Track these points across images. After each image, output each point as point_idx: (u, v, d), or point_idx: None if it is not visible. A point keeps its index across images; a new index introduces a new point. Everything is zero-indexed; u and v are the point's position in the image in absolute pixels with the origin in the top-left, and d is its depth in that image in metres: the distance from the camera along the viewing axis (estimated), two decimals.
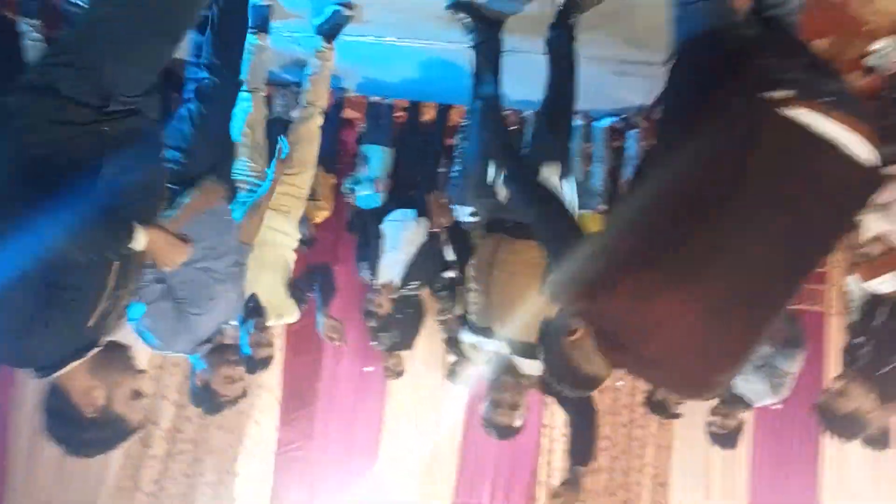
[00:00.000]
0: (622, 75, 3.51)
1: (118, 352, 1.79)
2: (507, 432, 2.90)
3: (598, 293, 1.45)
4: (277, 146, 2.89)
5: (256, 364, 3.13)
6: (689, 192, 1.42)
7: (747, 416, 3.79)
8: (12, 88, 1.68)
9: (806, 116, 1.37)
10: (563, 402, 2.92)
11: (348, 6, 3.09)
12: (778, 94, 1.37)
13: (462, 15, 2.95)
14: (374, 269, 4.11)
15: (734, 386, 3.52)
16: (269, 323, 3.18)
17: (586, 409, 3.02)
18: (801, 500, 5.18)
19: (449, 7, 2.97)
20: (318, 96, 3.29)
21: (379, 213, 4.17)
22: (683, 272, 1.39)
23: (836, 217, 1.50)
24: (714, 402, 3.60)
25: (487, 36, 2.91)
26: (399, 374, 4.71)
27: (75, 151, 1.63)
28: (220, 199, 2.57)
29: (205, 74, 2.59)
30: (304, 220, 4.19)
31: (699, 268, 1.40)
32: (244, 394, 2.89)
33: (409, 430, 5.61)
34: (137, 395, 1.77)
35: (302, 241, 4.28)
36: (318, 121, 3.32)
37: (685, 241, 1.39)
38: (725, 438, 3.55)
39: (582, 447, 2.89)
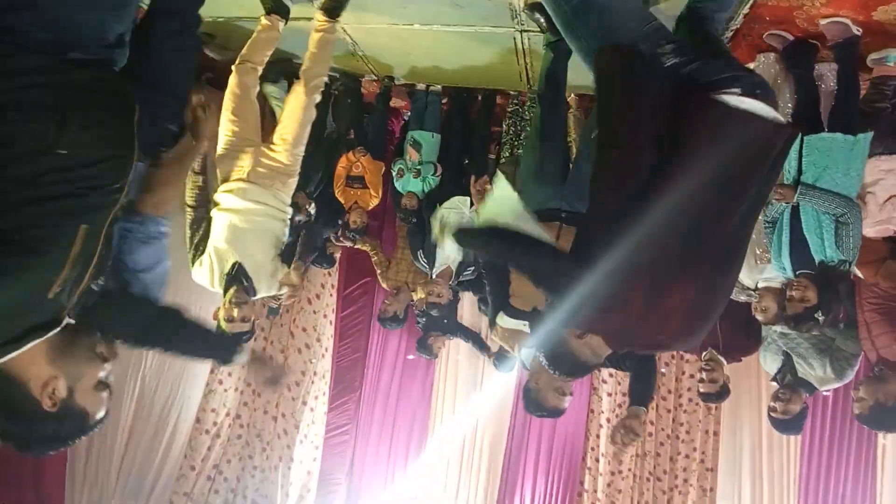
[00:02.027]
0: None
1: (83, 337, 1.57)
2: (557, 413, 2.98)
3: (613, 316, 1.62)
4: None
5: (231, 341, 3.03)
6: (663, 191, 1.59)
7: None
8: None
9: (745, 103, 1.64)
10: (619, 358, 2.97)
11: None
12: (731, 91, 1.64)
13: (538, 15, 3.03)
14: (430, 257, 4.14)
15: (797, 371, 3.46)
16: (260, 294, 3.20)
17: (646, 357, 3.05)
18: (857, 485, 5.07)
19: (526, 8, 3.06)
20: (314, 72, 3.22)
21: (433, 201, 4.19)
22: (678, 265, 1.60)
23: (772, 171, 1.73)
24: (774, 386, 3.53)
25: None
26: (437, 354, 4.75)
27: (31, 104, 1.42)
28: None
29: None
30: (357, 209, 4.28)
31: (689, 255, 1.61)
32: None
33: (456, 415, 5.66)
34: (102, 385, 1.57)
35: (356, 230, 4.36)
36: (314, 97, 3.25)
37: (672, 235, 1.59)
38: (789, 424, 3.38)
39: (641, 388, 2.90)
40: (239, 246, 3.07)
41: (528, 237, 1.81)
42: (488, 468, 5.64)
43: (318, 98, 3.28)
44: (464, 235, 1.82)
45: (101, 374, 1.58)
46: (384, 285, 4.70)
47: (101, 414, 1.58)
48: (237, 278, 3.04)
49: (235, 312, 3.01)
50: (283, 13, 3.23)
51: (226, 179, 3.17)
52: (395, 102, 4.64)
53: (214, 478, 5.32)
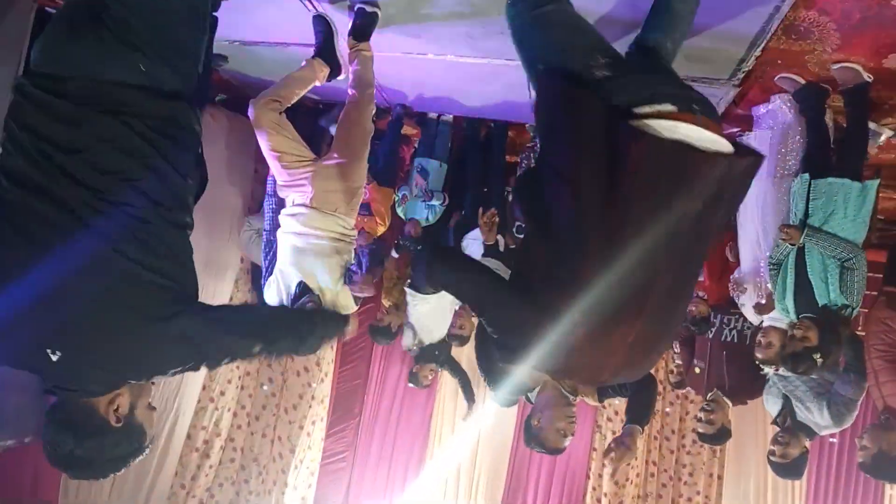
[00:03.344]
0: None
1: None
2: (557, 452, 2.95)
3: (557, 356, 1.60)
4: None
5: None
6: (608, 230, 1.52)
7: None
8: None
9: (683, 129, 1.50)
10: (622, 390, 2.93)
11: (371, 3, 3.05)
12: (663, 107, 1.50)
13: None
14: None
15: (796, 414, 3.42)
16: None
17: (646, 377, 3.01)
18: None
19: None
20: (364, 83, 3.20)
21: (436, 229, 4.19)
22: (624, 304, 1.54)
23: (725, 206, 1.63)
24: (775, 430, 3.48)
25: None
26: (424, 384, 4.73)
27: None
28: None
29: None
30: (364, 234, 4.28)
31: (635, 294, 1.54)
32: None
33: (454, 447, 5.58)
34: (151, 405, 1.71)
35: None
36: (369, 107, 3.24)
37: (618, 274, 1.51)
38: (788, 468, 3.33)
39: (637, 407, 2.86)
40: (301, 266, 3.11)
41: (482, 271, 1.78)
42: (489, 501, 5.55)
43: (373, 108, 3.28)
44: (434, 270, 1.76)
45: (151, 395, 1.70)
46: (385, 301, 4.67)
47: (152, 433, 1.71)
48: (303, 296, 3.09)
49: None
50: (333, 66, 3.19)
51: (291, 201, 3.21)
52: (407, 130, 4.67)
53: (206, 501, 5.25)
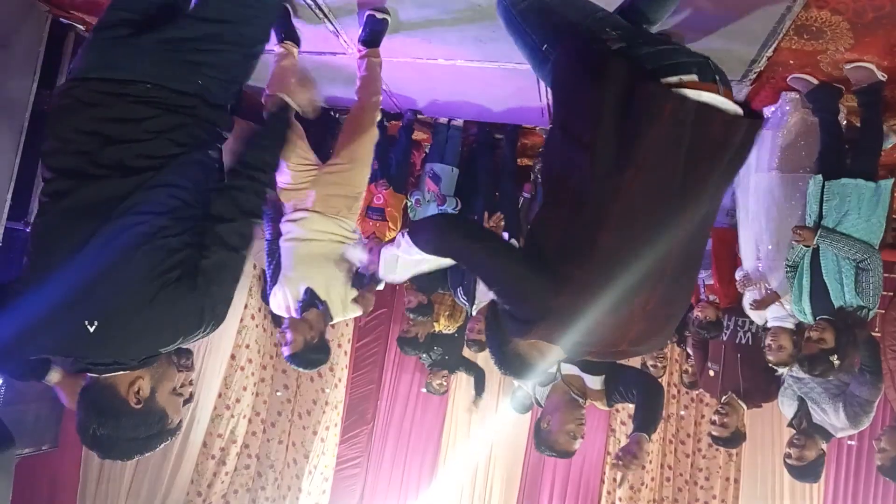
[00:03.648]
0: None
1: None
2: (567, 455, 2.94)
3: (575, 329, 1.55)
4: None
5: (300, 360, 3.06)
6: (623, 194, 1.49)
7: None
8: None
9: (706, 98, 1.51)
10: (626, 389, 2.92)
11: (381, 10, 3.07)
12: (686, 77, 1.52)
13: None
14: (470, 295, 4.10)
15: (812, 416, 3.39)
16: (336, 319, 3.19)
17: (650, 381, 2.99)
18: None
19: None
20: (370, 90, 3.22)
21: None
22: (640, 272, 1.50)
23: (731, 166, 1.59)
24: (791, 433, 3.45)
25: None
26: (438, 391, 4.72)
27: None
28: None
29: None
30: (375, 239, 4.28)
31: (650, 261, 1.51)
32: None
33: (468, 452, 5.58)
34: (177, 392, 1.76)
35: None
36: (374, 114, 3.25)
37: (634, 241, 1.50)
38: (805, 471, 3.29)
39: (644, 414, 2.83)
40: (305, 272, 3.09)
41: (489, 237, 1.77)
42: None
43: (378, 115, 3.29)
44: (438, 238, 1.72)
45: (179, 382, 1.77)
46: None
47: (178, 419, 1.77)
48: (312, 302, 3.05)
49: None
50: (296, 41, 3.24)
51: (292, 206, 3.20)
52: (417, 135, 4.68)
53: None
